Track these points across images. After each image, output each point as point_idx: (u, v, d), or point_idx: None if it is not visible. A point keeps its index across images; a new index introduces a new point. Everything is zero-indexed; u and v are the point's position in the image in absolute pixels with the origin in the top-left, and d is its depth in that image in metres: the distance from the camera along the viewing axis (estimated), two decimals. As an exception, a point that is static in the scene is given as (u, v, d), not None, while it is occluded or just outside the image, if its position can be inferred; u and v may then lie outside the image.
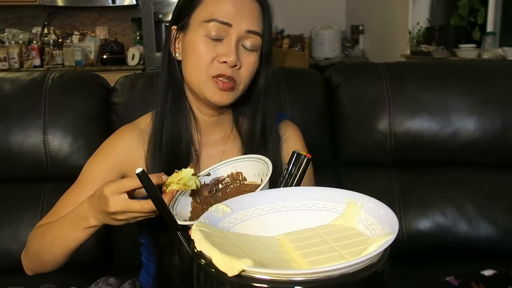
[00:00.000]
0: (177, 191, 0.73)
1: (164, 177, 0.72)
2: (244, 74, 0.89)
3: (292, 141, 1.02)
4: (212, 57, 0.86)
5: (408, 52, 3.83)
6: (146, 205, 0.70)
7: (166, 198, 0.70)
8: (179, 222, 0.69)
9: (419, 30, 3.76)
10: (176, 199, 0.76)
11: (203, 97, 0.89)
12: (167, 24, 1.02)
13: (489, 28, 3.22)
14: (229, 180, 0.80)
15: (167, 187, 0.71)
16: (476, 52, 3.15)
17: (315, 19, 4.75)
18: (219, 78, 0.86)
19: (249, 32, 0.87)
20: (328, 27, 4.72)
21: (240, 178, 0.79)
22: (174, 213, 0.72)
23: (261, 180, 0.72)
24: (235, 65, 0.86)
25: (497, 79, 1.45)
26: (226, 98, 0.88)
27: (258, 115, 0.95)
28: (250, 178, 0.78)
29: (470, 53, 3.16)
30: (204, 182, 0.79)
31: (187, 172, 0.72)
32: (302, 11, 4.78)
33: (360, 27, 4.79)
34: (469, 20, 3.32)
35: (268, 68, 0.94)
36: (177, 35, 0.92)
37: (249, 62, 0.89)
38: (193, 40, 0.88)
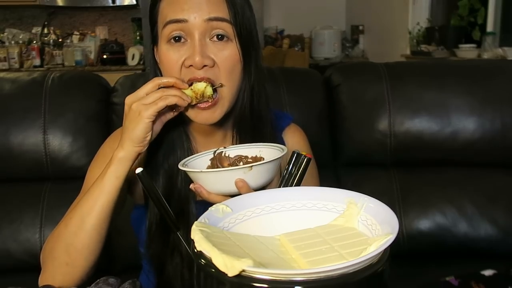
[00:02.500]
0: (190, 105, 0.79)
1: (184, 83, 0.77)
2: (223, 71, 0.80)
3: (298, 146, 0.99)
4: (180, 64, 0.79)
5: (408, 52, 3.83)
6: (150, 84, 0.74)
7: (173, 91, 0.75)
8: (183, 169, 0.71)
9: (419, 30, 3.76)
10: (195, 156, 0.79)
11: (188, 118, 0.84)
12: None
13: (489, 28, 3.22)
14: (251, 161, 0.80)
15: None
16: (476, 52, 3.15)
17: (315, 19, 4.76)
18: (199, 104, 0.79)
19: (211, 20, 0.78)
20: (328, 27, 4.72)
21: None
22: (184, 164, 0.75)
23: (279, 171, 0.73)
24: (205, 65, 0.78)
25: (497, 79, 1.45)
26: (212, 115, 0.81)
27: (246, 109, 0.88)
28: None
29: (470, 53, 3.17)
30: (229, 155, 0.81)
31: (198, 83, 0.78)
32: (302, 11, 4.79)
33: (360, 27, 4.80)
34: (469, 20, 3.32)
35: (251, 59, 0.85)
36: (155, 51, 0.87)
37: (225, 56, 0.79)
38: (161, 52, 0.82)
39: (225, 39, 0.80)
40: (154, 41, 0.87)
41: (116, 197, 0.79)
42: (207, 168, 0.78)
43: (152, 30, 0.87)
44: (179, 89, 0.77)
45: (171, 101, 0.74)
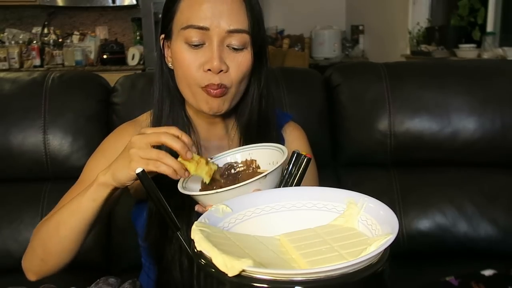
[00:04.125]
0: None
1: (189, 153, 0.71)
2: (234, 76, 0.83)
3: (298, 143, 1.00)
4: (197, 65, 0.82)
5: (408, 52, 3.83)
6: (155, 136, 0.70)
7: (170, 160, 0.70)
8: (183, 192, 0.70)
9: (419, 30, 3.76)
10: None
11: (198, 108, 0.87)
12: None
13: (489, 28, 3.22)
14: (242, 166, 0.80)
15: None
16: (476, 52, 3.15)
17: (315, 19, 4.76)
18: (209, 88, 0.83)
19: (231, 32, 0.82)
20: (328, 27, 4.72)
21: (254, 166, 0.79)
22: (183, 185, 0.73)
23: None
24: (221, 70, 0.82)
25: (497, 79, 1.45)
26: (220, 105, 0.84)
27: (254, 113, 0.91)
28: (264, 166, 0.78)
29: (470, 53, 3.16)
30: (218, 165, 0.79)
31: (204, 163, 0.73)
32: (302, 11, 4.79)
33: (360, 27, 4.80)
34: (469, 20, 3.32)
35: (262, 65, 0.89)
36: (165, 44, 0.90)
37: (238, 62, 0.83)
38: (176, 49, 0.85)
39: (239, 47, 0.83)
40: (167, 35, 0.88)
41: (93, 216, 0.80)
42: (202, 183, 0.76)
43: (165, 24, 0.88)
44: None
45: (163, 170, 0.70)
